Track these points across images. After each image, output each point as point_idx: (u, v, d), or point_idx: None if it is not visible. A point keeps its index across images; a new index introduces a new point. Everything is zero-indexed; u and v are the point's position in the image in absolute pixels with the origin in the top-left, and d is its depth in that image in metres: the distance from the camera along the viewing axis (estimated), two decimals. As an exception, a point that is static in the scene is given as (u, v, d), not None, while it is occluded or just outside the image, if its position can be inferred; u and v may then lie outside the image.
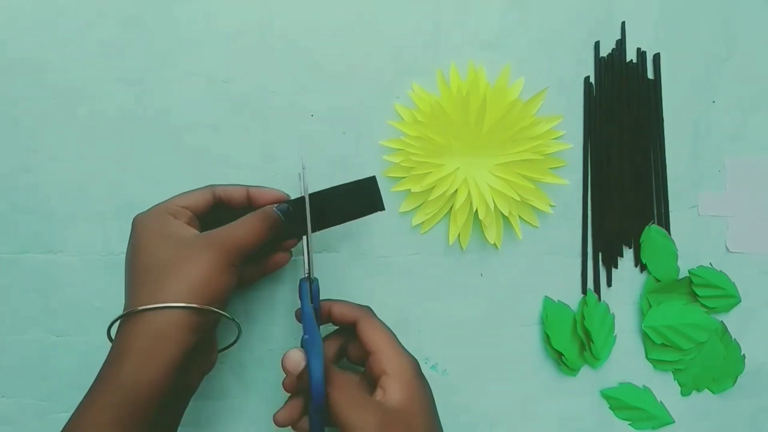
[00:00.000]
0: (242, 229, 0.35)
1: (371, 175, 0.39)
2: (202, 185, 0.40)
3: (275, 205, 0.38)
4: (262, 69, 0.42)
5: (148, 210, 0.36)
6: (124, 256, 0.41)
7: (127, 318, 0.33)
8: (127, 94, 0.42)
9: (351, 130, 0.42)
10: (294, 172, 0.42)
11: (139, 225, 0.35)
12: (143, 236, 0.35)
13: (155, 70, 0.42)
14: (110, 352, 0.33)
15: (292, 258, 0.41)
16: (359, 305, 0.38)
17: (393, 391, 0.35)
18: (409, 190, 0.42)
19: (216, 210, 0.38)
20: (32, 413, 0.42)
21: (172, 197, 0.37)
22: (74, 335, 0.42)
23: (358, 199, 0.39)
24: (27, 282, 0.42)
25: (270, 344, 0.43)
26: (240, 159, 0.42)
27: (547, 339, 0.43)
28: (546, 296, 0.43)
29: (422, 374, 0.36)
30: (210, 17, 0.42)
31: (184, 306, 0.32)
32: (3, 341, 0.42)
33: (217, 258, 0.34)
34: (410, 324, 0.43)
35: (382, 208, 0.39)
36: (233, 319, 0.35)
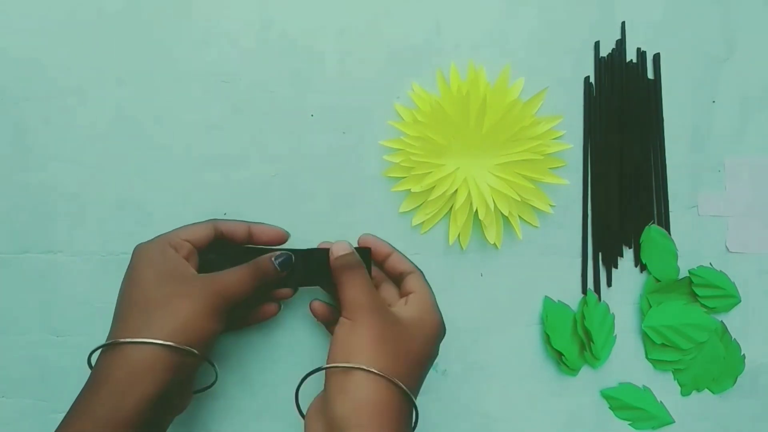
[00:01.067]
0: (233, 279, 0.36)
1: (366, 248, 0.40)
2: (202, 185, 0.41)
3: (275, 255, 0.38)
4: (262, 69, 0.42)
5: (150, 240, 0.37)
6: (123, 256, 0.41)
7: (109, 348, 0.33)
8: (127, 94, 0.42)
9: (351, 130, 0.42)
10: (294, 174, 0.42)
11: (139, 254, 0.36)
12: (140, 267, 0.35)
13: (155, 70, 0.42)
14: (89, 379, 0.33)
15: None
16: (413, 264, 0.40)
17: (408, 308, 0.36)
18: (409, 190, 0.42)
19: (216, 244, 0.38)
20: (32, 413, 0.42)
21: (175, 229, 0.37)
22: (74, 335, 0.42)
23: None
24: (27, 282, 0.42)
25: (270, 344, 0.43)
26: (240, 159, 0.42)
27: (547, 339, 0.43)
28: (546, 296, 0.43)
29: (439, 339, 0.37)
30: (210, 17, 0.42)
31: (163, 344, 0.32)
32: (3, 341, 0.42)
33: (206, 303, 0.34)
34: (410, 324, 0.43)
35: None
36: (212, 364, 0.36)
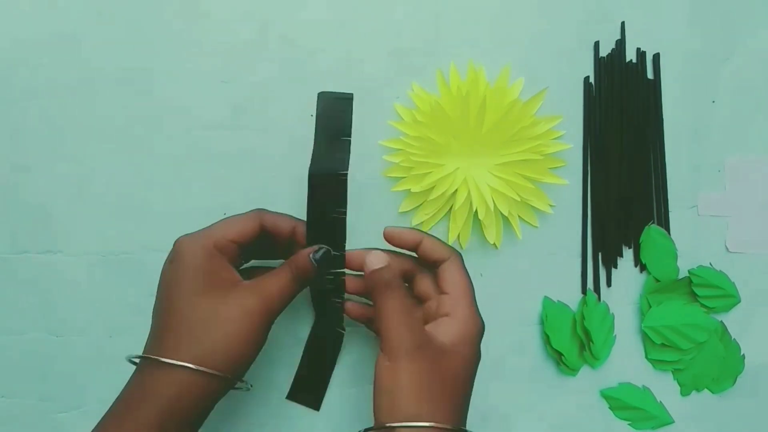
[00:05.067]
0: (276, 286, 0.34)
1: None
2: (202, 185, 0.40)
3: (312, 250, 0.35)
4: (261, 69, 0.42)
5: (194, 235, 0.34)
6: (123, 256, 0.41)
7: (147, 361, 0.32)
8: (126, 94, 0.42)
9: (351, 130, 0.42)
10: (294, 175, 0.42)
11: (183, 254, 0.33)
12: (184, 270, 0.33)
13: (154, 70, 0.42)
14: (130, 390, 0.32)
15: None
16: (451, 246, 0.37)
17: (447, 331, 0.34)
18: (409, 190, 0.42)
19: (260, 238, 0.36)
20: (32, 413, 0.42)
21: (221, 224, 0.35)
22: (74, 335, 0.42)
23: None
24: (27, 282, 0.42)
25: (269, 344, 0.43)
26: (239, 159, 0.42)
27: (547, 339, 0.43)
28: (546, 296, 0.43)
29: (480, 341, 0.36)
30: (209, 18, 0.42)
31: (219, 375, 0.31)
32: (3, 341, 0.42)
33: (252, 322, 0.32)
34: (410, 324, 0.43)
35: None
36: (249, 388, 0.35)
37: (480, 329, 0.36)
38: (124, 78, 0.42)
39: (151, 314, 0.34)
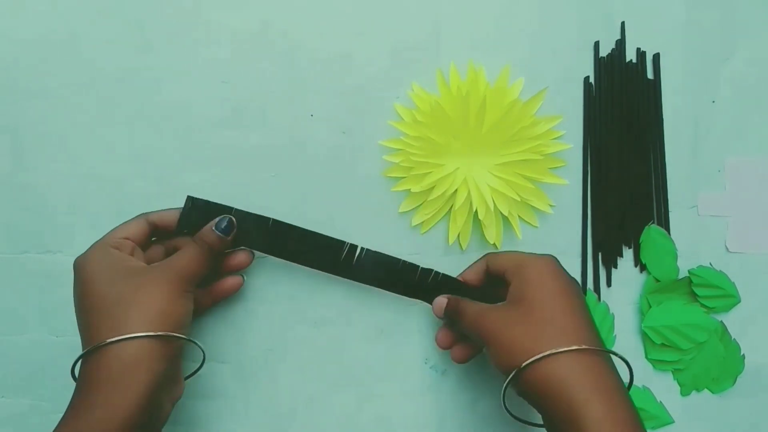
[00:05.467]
0: (185, 259, 0.36)
1: (352, 243, 0.40)
2: (202, 185, 0.40)
3: (214, 222, 0.38)
4: (261, 69, 0.42)
5: (87, 250, 0.36)
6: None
7: (92, 354, 0.33)
8: (127, 93, 0.42)
9: (351, 130, 0.42)
10: (294, 174, 0.42)
11: (82, 264, 0.36)
12: (90, 274, 0.35)
13: (155, 70, 0.42)
14: (76, 390, 0.33)
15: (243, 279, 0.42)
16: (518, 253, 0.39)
17: (515, 290, 0.36)
18: (409, 190, 0.42)
19: (156, 236, 0.39)
20: (32, 413, 0.42)
21: (109, 232, 0.37)
22: (74, 335, 0.42)
23: (319, 253, 0.40)
24: (27, 282, 0.42)
25: (270, 344, 0.43)
26: (239, 159, 0.42)
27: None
28: None
29: (562, 269, 0.37)
30: (209, 18, 0.42)
31: (150, 335, 0.32)
32: (3, 341, 0.42)
33: (169, 288, 0.34)
34: (410, 323, 0.43)
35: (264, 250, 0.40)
36: (198, 344, 0.36)
37: (551, 260, 0.37)
38: (124, 78, 0.42)
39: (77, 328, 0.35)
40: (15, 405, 0.42)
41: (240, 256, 0.40)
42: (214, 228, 0.37)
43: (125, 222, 0.38)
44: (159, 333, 0.33)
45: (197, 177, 0.42)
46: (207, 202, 0.39)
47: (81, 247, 0.42)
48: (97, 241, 0.37)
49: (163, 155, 0.42)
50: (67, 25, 0.41)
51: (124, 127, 0.42)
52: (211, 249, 0.37)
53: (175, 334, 0.33)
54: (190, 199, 0.39)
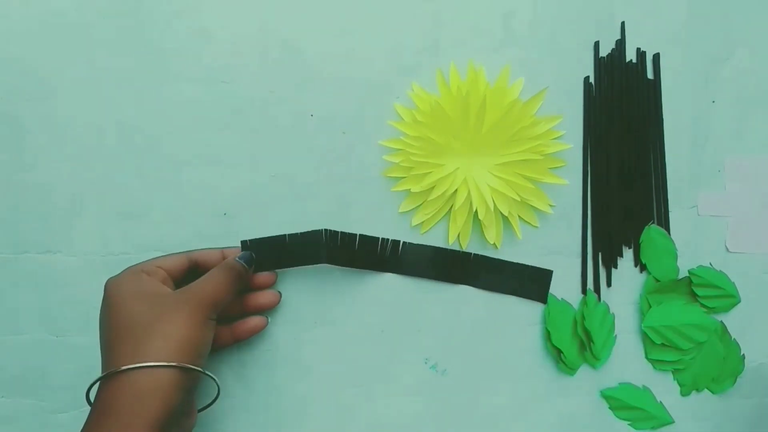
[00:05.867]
0: (210, 284, 0.36)
1: (319, 229, 0.41)
2: (202, 185, 0.40)
3: (237, 255, 0.39)
4: (261, 69, 0.42)
5: (120, 273, 0.37)
6: (123, 256, 0.41)
7: (109, 378, 0.32)
8: (127, 94, 0.42)
9: (351, 130, 0.42)
10: (294, 174, 0.42)
11: (112, 286, 0.36)
12: (118, 296, 0.35)
13: (155, 70, 0.42)
14: (91, 413, 0.32)
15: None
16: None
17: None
18: (409, 190, 0.42)
19: (193, 274, 0.39)
20: (32, 413, 0.42)
21: (148, 260, 0.38)
22: (74, 335, 0.42)
23: (305, 248, 0.41)
24: (26, 282, 0.42)
25: (270, 344, 0.43)
26: (240, 159, 0.42)
27: (547, 335, 0.43)
28: (550, 293, 0.43)
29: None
30: (209, 18, 0.42)
31: (168, 365, 0.32)
32: (2, 341, 0.42)
33: (195, 313, 0.34)
34: (410, 323, 0.43)
35: (326, 261, 0.41)
36: (214, 378, 0.36)
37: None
38: (124, 78, 0.42)
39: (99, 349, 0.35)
40: (15, 405, 0.42)
41: (266, 296, 0.41)
42: (237, 258, 0.39)
43: (165, 255, 0.39)
44: (175, 364, 0.32)
45: (197, 177, 0.42)
46: (260, 240, 0.41)
47: (81, 247, 0.42)
48: (130, 266, 0.37)
49: (163, 155, 0.42)
50: (68, 25, 0.41)
51: (124, 127, 0.42)
52: (237, 276, 0.38)
53: (193, 367, 0.33)
54: (244, 243, 0.41)
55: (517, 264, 0.43)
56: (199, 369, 0.34)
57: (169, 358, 0.32)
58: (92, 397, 0.33)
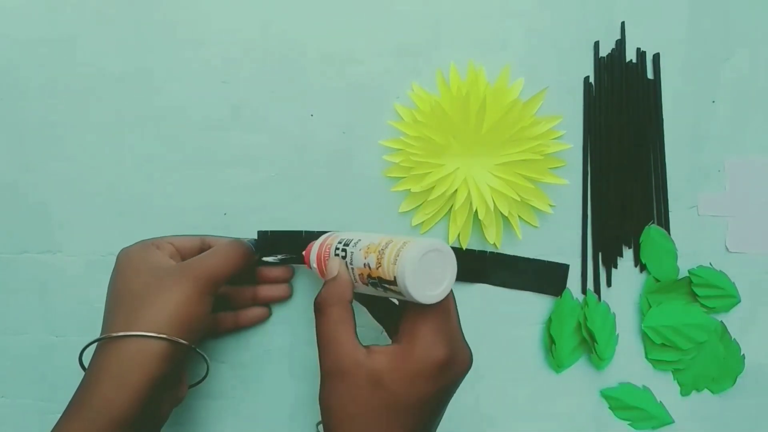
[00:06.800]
0: (216, 258, 0.36)
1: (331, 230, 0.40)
2: (202, 185, 0.40)
3: (247, 238, 0.40)
4: (261, 69, 0.42)
5: (133, 244, 0.38)
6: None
7: (102, 343, 0.33)
8: (127, 94, 0.42)
9: (351, 130, 0.42)
10: (294, 174, 0.42)
11: (122, 256, 0.37)
12: (124, 265, 0.36)
13: (155, 71, 0.42)
14: (85, 375, 0.33)
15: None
16: None
17: (388, 357, 0.31)
18: (409, 190, 0.42)
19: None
20: (32, 413, 0.42)
21: (162, 236, 0.39)
22: (74, 335, 0.42)
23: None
24: (26, 282, 0.42)
25: (270, 344, 0.43)
26: (239, 159, 0.42)
27: (548, 324, 0.43)
28: (568, 288, 0.43)
29: (451, 375, 0.31)
30: (209, 18, 0.42)
31: (157, 336, 0.32)
32: (2, 341, 0.42)
33: (192, 287, 0.34)
34: (410, 324, 0.43)
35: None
36: (203, 354, 0.36)
37: (444, 360, 0.31)
38: (124, 78, 0.42)
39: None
40: (15, 405, 0.42)
41: (278, 289, 0.41)
42: (247, 240, 0.40)
43: (181, 235, 0.40)
44: (164, 336, 0.33)
45: (197, 177, 0.42)
46: (276, 232, 0.41)
47: (81, 247, 0.42)
48: (145, 239, 0.38)
49: (163, 155, 0.42)
50: (68, 26, 0.41)
51: (124, 128, 0.42)
52: (246, 254, 0.38)
53: (180, 340, 0.33)
54: (261, 233, 0.41)
55: (533, 260, 0.43)
56: (186, 343, 0.33)
57: (159, 329, 0.33)
58: (86, 363, 0.34)
